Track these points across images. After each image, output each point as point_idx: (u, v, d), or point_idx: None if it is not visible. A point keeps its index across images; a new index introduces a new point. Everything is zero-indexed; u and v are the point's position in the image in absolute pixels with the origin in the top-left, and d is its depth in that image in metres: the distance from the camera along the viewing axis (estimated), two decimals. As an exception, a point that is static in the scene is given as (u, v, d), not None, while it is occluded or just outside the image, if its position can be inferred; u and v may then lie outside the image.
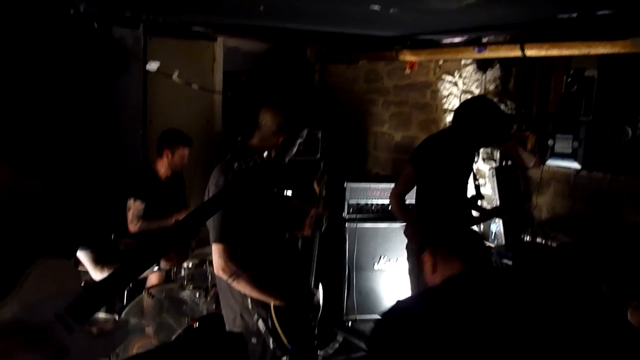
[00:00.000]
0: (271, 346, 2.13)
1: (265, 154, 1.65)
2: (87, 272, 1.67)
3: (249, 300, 2.17)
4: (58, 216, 1.51)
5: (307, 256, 2.47)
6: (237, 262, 2.08)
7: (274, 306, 2.13)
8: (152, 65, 4.11)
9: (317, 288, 2.45)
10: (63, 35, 3.64)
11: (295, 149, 2.34)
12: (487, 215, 3.50)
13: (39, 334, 1.28)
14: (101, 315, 3.07)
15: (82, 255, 1.62)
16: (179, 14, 3.81)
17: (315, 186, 2.67)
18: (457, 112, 3.09)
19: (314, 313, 2.32)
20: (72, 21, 3.64)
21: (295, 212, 2.46)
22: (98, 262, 1.63)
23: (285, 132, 2.26)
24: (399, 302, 1.51)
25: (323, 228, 2.59)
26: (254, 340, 2.22)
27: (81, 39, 3.75)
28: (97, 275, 1.63)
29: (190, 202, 4.11)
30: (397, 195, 3.14)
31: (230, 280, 2.10)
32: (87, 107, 3.83)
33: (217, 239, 2.08)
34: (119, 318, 2.96)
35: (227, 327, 2.33)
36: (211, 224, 2.12)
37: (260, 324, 2.15)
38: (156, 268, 1.60)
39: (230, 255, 2.07)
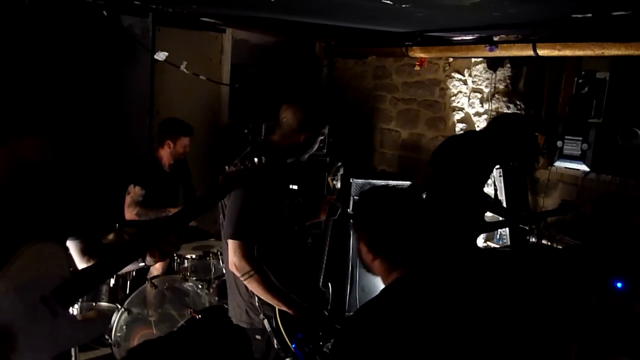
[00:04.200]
0: (275, 346, 2.11)
1: (256, 159, 1.64)
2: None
3: (256, 298, 2.14)
4: (56, 201, 1.53)
5: (318, 250, 2.45)
6: (252, 261, 2.05)
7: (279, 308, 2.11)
8: (161, 55, 4.09)
9: (327, 287, 2.43)
10: (72, 22, 3.63)
11: (315, 147, 2.33)
12: (499, 223, 3.44)
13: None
14: (103, 304, 3.08)
15: (71, 245, 1.64)
16: (189, 4, 3.79)
17: (330, 181, 2.67)
18: (497, 123, 3.03)
19: (322, 314, 2.30)
20: (82, 8, 3.63)
21: (306, 203, 2.44)
22: (85, 253, 1.65)
23: (306, 130, 2.24)
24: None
25: (337, 214, 2.57)
26: (258, 337, 2.21)
27: (90, 26, 3.74)
28: (82, 266, 1.65)
29: (197, 193, 4.11)
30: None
31: (242, 278, 2.07)
32: (94, 95, 3.82)
33: (234, 235, 2.05)
34: (121, 307, 2.96)
35: (234, 322, 2.31)
36: (228, 219, 2.10)
37: (266, 323, 2.13)
38: (142, 263, 1.60)
39: (245, 253, 2.04)
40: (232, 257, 2.05)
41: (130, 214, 3.55)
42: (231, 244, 2.05)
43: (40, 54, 3.38)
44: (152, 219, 3.56)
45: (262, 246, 2.10)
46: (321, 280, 2.40)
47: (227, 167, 1.63)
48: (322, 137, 2.35)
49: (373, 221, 1.53)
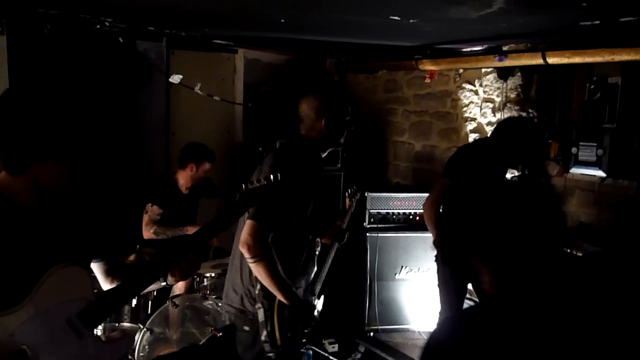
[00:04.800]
0: (262, 338, 2.09)
1: (272, 176, 1.67)
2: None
3: (258, 287, 2.13)
4: (79, 225, 1.56)
5: (319, 263, 2.48)
6: (264, 245, 2.04)
7: (279, 301, 2.11)
8: (175, 78, 4.18)
9: (319, 298, 2.44)
10: (90, 49, 3.74)
11: (345, 131, 2.34)
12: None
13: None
14: (126, 324, 3.12)
15: (95, 267, 1.67)
16: (201, 27, 3.88)
17: (347, 201, 2.70)
18: (501, 127, 3.04)
19: (309, 321, 2.28)
20: (99, 36, 3.74)
21: (321, 218, 2.46)
22: (109, 274, 1.69)
23: (324, 112, 2.26)
24: (435, 331, 1.42)
25: (343, 241, 2.60)
26: (246, 328, 2.20)
27: (106, 52, 3.85)
28: (107, 287, 1.69)
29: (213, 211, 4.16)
30: (433, 206, 3.02)
31: (250, 261, 2.06)
32: (111, 119, 3.90)
33: (253, 216, 2.04)
34: (143, 327, 3.00)
35: (224, 307, 2.31)
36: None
37: (261, 313, 2.11)
38: (163, 283, 1.63)
39: (260, 236, 2.03)
40: (246, 236, 2.03)
41: (148, 232, 3.62)
42: (249, 223, 2.04)
43: (60, 81, 3.49)
44: (170, 238, 3.62)
45: (277, 240, 2.10)
46: (317, 291, 2.42)
47: (243, 185, 1.66)
48: (347, 117, 2.33)
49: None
